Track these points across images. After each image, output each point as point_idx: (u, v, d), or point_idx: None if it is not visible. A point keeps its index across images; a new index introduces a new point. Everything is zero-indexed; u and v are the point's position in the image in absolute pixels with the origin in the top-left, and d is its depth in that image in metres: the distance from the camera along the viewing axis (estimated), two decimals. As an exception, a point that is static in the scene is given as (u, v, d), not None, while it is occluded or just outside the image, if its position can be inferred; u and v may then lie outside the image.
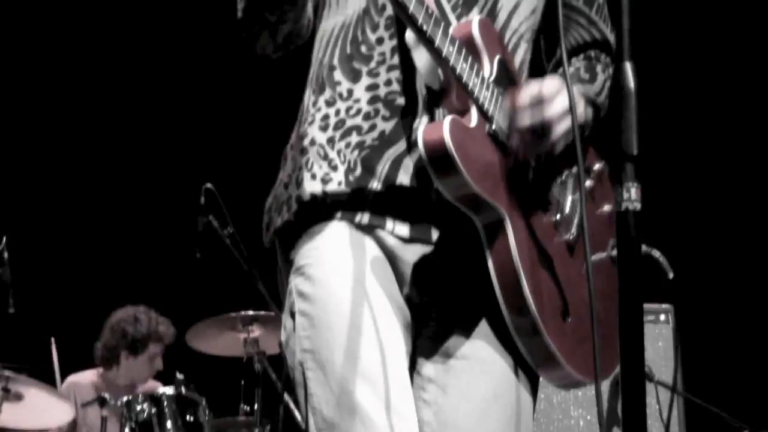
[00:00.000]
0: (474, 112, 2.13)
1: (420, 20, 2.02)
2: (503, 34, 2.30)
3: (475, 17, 2.21)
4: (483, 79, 2.13)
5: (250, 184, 6.54)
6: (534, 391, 2.29)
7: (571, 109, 2.07)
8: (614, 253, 1.80)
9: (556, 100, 2.14)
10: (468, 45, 2.14)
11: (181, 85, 7.48)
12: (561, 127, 2.16)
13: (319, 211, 2.22)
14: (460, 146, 2.04)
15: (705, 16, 6.52)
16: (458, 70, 2.08)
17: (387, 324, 2.13)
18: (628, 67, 1.81)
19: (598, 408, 1.99)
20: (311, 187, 2.22)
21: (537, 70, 2.41)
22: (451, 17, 2.25)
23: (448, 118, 2.06)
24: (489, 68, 2.18)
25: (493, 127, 2.15)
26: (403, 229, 2.20)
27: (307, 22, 2.31)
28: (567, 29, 2.41)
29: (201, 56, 7.27)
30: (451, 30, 2.14)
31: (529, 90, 2.16)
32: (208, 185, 5.49)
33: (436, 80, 2.19)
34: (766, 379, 6.18)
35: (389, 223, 2.20)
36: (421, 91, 2.21)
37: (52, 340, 6.09)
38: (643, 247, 2.32)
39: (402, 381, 2.12)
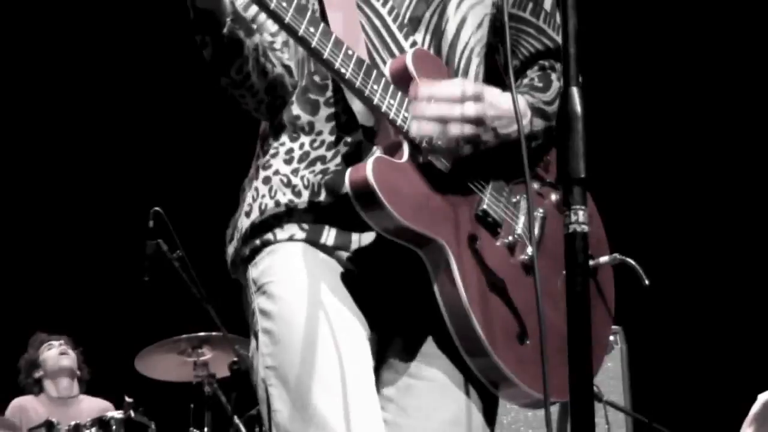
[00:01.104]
0: (405, 146, 2.14)
1: (337, 64, 2.07)
2: (454, 49, 2.32)
3: (410, 49, 2.22)
4: None
5: (199, 208, 6.55)
6: (491, 414, 2.29)
7: (517, 121, 2.07)
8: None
9: (454, 103, 2.12)
10: (402, 78, 2.16)
11: (131, 108, 7.45)
12: (457, 129, 2.12)
13: (283, 233, 2.23)
14: (384, 183, 2.06)
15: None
16: (384, 108, 2.11)
17: (348, 338, 2.14)
18: (575, 92, 1.83)
19: (548, 428, 2.01)
20: (274, 212, 2.24)
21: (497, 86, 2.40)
22: (399, 36, 2.28)
23: (372, 157, 2.08)
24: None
25: (428, 157, 2.16)
26: (367, 249, 2.21)
27: (280, 76, 2.30)
28: (517, 41, 2.40)
29: (153, 80, 7.25)
30: (386, 67, 2.18)
31: (432, 83, 2.15)
32: (157, 208, 5.47)
33: (371, 119, 2.22)
34: (713, 399, 6.25)
35: (354, 244, 2.22)
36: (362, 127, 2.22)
37: None
38: (617, 256, 2.36)
39: (364, 392, 2.12)
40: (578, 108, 1.83)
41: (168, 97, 7.22)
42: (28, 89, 7.47)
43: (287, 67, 2.32)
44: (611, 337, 4.76)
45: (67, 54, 7.34)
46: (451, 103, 2.12)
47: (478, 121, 2.14)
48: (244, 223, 2.31)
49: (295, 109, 2.29)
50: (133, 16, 6.91)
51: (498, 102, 2.17)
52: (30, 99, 7.50)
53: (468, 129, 2.14)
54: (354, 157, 2.20)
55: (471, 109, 2.13)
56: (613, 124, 6.14)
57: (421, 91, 2.13)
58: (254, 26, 2.28)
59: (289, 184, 2.25)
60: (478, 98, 2.14)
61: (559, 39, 2.39)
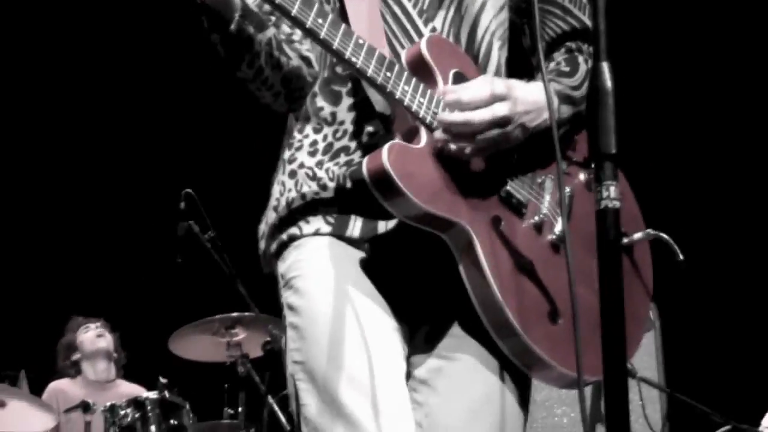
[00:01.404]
0: (422, 131, 2.14)
1: (347, 54, 2.06)
2: (475, 33, 2.31)
3: (424, 37, 2.21)
4: (431, 97, 2.14)
5: (230, 189, 6.58)
6: (523, 395, 2.29)
7: (549, 109, 2.06)
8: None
9: (483, 109, 2.11)
10: (418, 66, 2.16)
11: (162, 91, 7.47)
12: (486, 134, 2.12)
13: (309, 227, 2.24)
14: (401, 169, 2.05)
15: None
16: (398, 95, 2.11)
17: (376, 330, 2.15)
18: (605, 67, 1.83)
19: (581, 405, 2.01)
20: (300, 205, 2.25)
21: (525, 70, 2.39)
22: (419, 23, 2.28)
23: (387, 144, 2.08)
24: (442, 84, 2.17)
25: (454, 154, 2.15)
26: (392, 237, 2.21)
27: (297, 68, 2.31)
28: (543, 22, 2.38)
29: (182, 64, 7.26)
30: (404, 53, 2.18)
31: (458, 89, 2.15)
32: (188, 190, 5.49)
33: (387, 107, 2.22)
34: (748, 374, 6.22)
35: (380, 231, 2.21)
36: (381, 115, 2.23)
37: (23, 372, 6.14)
38: (651, 231, 2.35)
39: (392, 384, 2.13)
40: (608, 83, 1.82)
41: (200, 79, 7.24)
42: (60, 72, 7.51)
43: (305, 59, 2.33)
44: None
45: (101, 35, 7.36)
46: (478, 108, 2.11)
47: (505, 121, 2.13)
48: (271, 217, 2.32)
49: (319, 101, 2.30)
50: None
51: (525, 96, 2.16)
52: (62, 82, 7.54)
53: (496, 131, 2.13)
54: (375, 147, 2.19)
55: (499, 109, 2.12)
56: (646, 100, 6.10)
57: (447, 97, 2.14)
58: (270, 20, 2.29)
59: (314, 177, 2.26)
60: (505, 97, 2.13)
61: (585, 19, 2.38)
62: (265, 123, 2.53)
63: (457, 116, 2.11)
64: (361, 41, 2.08)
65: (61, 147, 7.74)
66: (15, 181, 7.74)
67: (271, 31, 2.26)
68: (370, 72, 2.08)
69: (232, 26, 2.18)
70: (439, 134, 2.12)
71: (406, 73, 2.13)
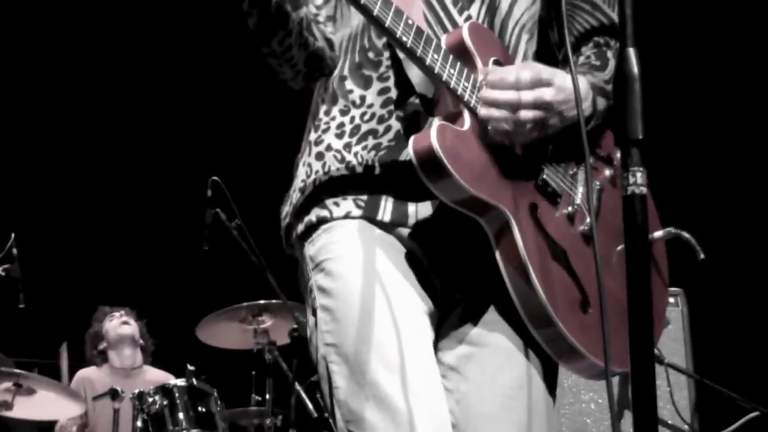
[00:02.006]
0: (466, 114, 2.14)
1: (398, 33, 2.06)
2: (506, 25, 2.32)
3: (465, 23, 2.22)
4: (474, 81, 2.15)
5: (256, 176, 6.59)
6: (552, 381, 2.30)
7: (577, 103, 2.06)
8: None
9: (529, 90, 2.12)
10: (459, 51, 2.17)
11: (188, 79, 7.49)
12: (529, 114, 2.13)
13: (339, 210, 2.25)
14: (449, 150, 2.06)
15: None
16: (444, 77, 2.11)
17: (407, 312, 2.16)
18: (632, 53, 1.83)
19: (608, 392, 2.01)
20: (329, 187, 2.26)
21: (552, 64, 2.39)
22: (453, 11, 2.28)
23: (435, 125, 2.08)
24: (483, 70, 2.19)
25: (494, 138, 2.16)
26: (424, 220, 2.22)
27: (321, 49, 2.32)
28: (572, 16, 2.40)
29: (208, 50, 7.28)
30: (442, 39, 2.18)
31: (502, 71, 2.16)
32: (215, 178, 5.51)
33: (429, 88, 2.22)
34: (776, 360, 6.20)
35: (411, 218, 2.22)
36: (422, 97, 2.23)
37: (64, 345, 6.18)
38: (672, 230, 2.35)
39: (425, 366, 2.14)
40: (635, 69, 1.82)
41: (225, 66, 7.26)
42: (89, 62, 7.55)
43: (329, 41, 2.34)
44: (671, 300, 4.72)
45: (127, 27, 7.40)
46: (521, 90, 2.12)
47: (547, 106, 2.13)
48: (298, 199, 2.32)
49: (349, 84, 2.30)
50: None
51: (565, 85, 2.16)
52: (92, 73, 7.58)
53: (536, 114, 2.13)
54: (408, 130, 2.21)
55: (543, 93, 2.13)
56: (664, 95, 6.07)
57: (491, 76, 2.14)
58: None
59: (342, 160, 2.26)
60: (550, 83, 2.14)
61: (613, 15, 2.39)
62: (290, 108, 2.53)
63: (503, 94, 2.12)
64: (410, 21, 2.08)
65: (88, 137, 7.78)
66: (41, 173, 7.80)
67: (303, 10, 2.27)
68: (419, 52, 2.08)
69: (273, 3, 2.17)
70: (484, 111, 2.12)
71: (451, 57, 2.13)
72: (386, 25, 2.06)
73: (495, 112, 2.12)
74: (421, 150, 2.06)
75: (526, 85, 2.12)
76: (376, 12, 2.05)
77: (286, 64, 2.30)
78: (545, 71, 2.15)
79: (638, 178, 1.80)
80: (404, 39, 2.07)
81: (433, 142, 2.05)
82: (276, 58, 2.28)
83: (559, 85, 2.15)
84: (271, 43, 2.24)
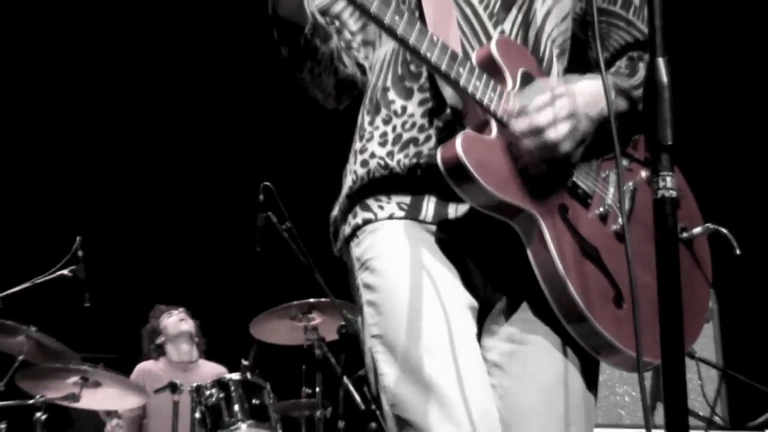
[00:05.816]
0: (493, 124, 2.16)
1: (423, 50, 2.08)
2: (540, 38, 2.32)
3: (493, 38, 2.24)
4: (501, 92, 2.15)
5: (306, 182, 6.62)
6: (592, 376, 2.29)
7: (608, 103, 2.06)
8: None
9: (545, 109, 2.13)
10: (488, 65, 2.18)
11: (241, 88, 7.53)
12: (554, 133, 2.13)
13: (383, 212, 2.27)
14: (475, 157, 2.07)
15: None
16: (470, 89, 2.12)
17: (452, 304, 2.16)
18: (661, 62, 1.83)
19: (641, 386, 2.00)
20: (374, 192, 2.28)
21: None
22: (488, 25, 2.30)
23: (461, 134, 2.10)
24: (511, 82, 2.19)
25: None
26: (463, 220, 2.22)
27: (351, 75, 2.39)
28: (607, 34, 2.40)
29: (259, 58, 7.30)
30: (473, 55, 2.20)
31: (527, 97, 2.16)
32: (267, 183, 5.55)
33: (459, 101, 2.23)
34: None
35: (451, 217, 2.23)
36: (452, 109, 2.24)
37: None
38: (710, 226, 2.35)
39: (471, 354, 2.14)
40: (664, 78, 1.82)
41: (278, 74, 7.28)
42: (151, 64, 7.60)
43: (360, 66, 2.40)
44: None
45: (179, 37, 7.44)
46: (541, 111, 2.12)
47: (571, 116, 2.13)
48: (345, 204, 2.35)
49: (391, 95, 2.33)
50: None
51: (582, 88, 2.16)
52: (147, 81, 7.64)
53: (563, 128, 2.13)
54: (444, 140, 2.21)
55: (561, 106, 2.13)
56: (702, 97, 6.02)
57: (510, 107, 2.15)
58: (335, 25, 2.36)
59: (386, 167, 2.28)
60: (563, 94, 2.14)
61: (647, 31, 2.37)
62: (340, 117, 2.56)
63: (525, 123, 2.12)
64: (435, 39, 2.10)
65: (151, 146, 7.85)
66: (104, 181, 7.88)
67: (333, 42, 2.32)
68: (444, 67, 2.10)
69: (301, 39, 2.24)
70: (516, 130, 2.13)
71: (477, 70, 2.14)
72: (410, 44, 2.07)
73: (524, 143, 2.13)
74: (447, 158, 2.09)
75: (544, 104, 2.13)
76: (399, 32, 2.06)
77: (316, 89, 2.39)
78: (558, 86, 2.15)
79: (668, 182, 1.80)
80: (429, 55, 2.09)
81: (458, 150, 2.06)
82: (307, 84, 2.37)
83: (575, 91, 2.15)
84: (303, 71, 2.33)
